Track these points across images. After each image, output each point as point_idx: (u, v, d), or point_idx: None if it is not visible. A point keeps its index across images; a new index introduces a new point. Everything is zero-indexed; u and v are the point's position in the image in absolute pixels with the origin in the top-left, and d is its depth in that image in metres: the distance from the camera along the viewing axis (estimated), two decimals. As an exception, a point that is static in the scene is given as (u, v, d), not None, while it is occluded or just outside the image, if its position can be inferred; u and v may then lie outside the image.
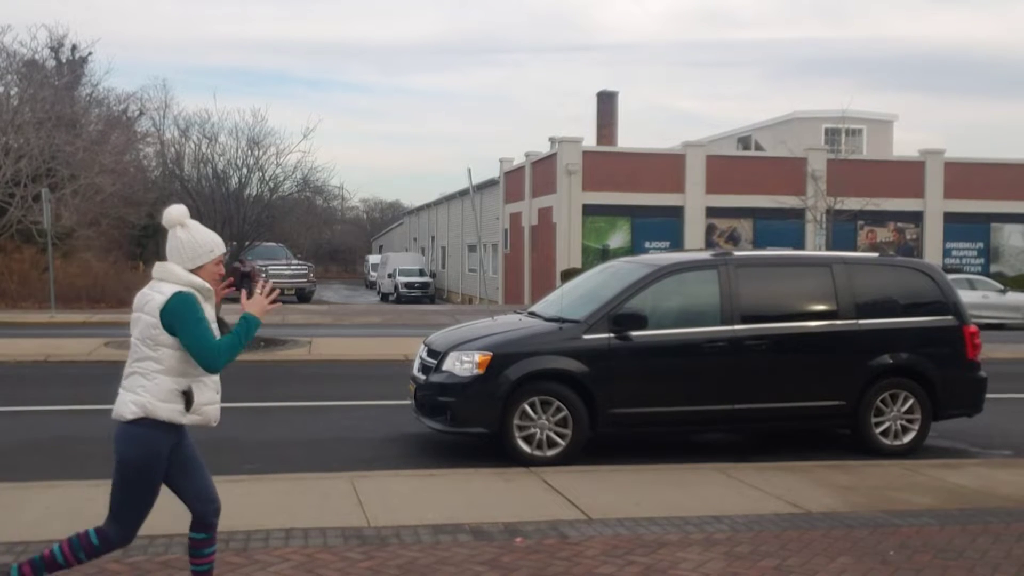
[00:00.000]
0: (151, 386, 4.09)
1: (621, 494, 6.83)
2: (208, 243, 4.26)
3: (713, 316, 8.52)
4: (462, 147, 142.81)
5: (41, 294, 25.29)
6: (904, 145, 76.47)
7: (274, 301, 4.35)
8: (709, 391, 8.43)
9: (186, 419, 4.15)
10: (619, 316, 8.23)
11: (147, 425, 4.09)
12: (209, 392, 4.22)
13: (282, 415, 10.46)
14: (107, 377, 14.34)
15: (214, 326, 4.18)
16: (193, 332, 4.04)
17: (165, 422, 4.10)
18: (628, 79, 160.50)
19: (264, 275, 33.45)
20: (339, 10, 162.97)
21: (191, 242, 4.21)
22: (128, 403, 4.11)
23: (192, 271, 4.19)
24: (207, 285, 4.19)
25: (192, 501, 4.38)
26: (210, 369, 4.09)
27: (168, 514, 6.08)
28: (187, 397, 4.12)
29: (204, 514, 4.39)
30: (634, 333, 8.23)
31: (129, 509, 4.20)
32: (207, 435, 9.17)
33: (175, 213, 4.25)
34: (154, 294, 4.14)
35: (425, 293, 45.75)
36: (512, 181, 40.61)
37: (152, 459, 4.13)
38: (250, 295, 4.37)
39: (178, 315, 4.05)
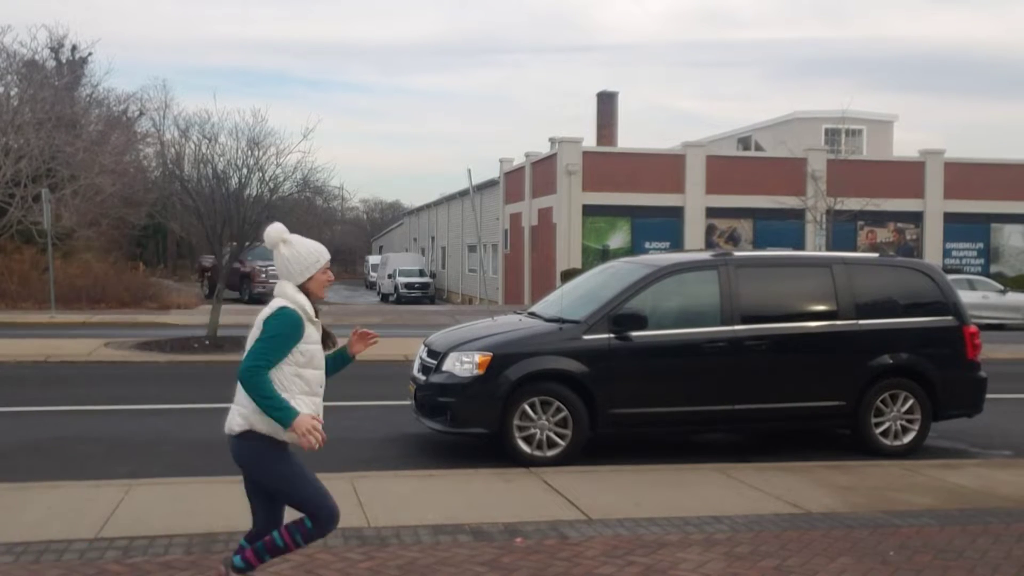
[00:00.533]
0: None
1: (621, 494, 6.83)
2: (313, 254, 4.30)
3: (713, 316, 8.52)
4: (462, 147, 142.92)
5: (41, 294, 25.30)
6: (904, 145, 76.59)
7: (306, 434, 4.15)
8: (709, 391, 8.43)
9: (285, 436, 4.15)
10: (619, 316, 8.23)
11: (253, 437, 4.17)
12: (306, 410, 4.18)
13: (282, 415, 10.45)
14: (107, 378, 14.43)
15: (316, 347, 4.23)
16: (264, 339, 4.08)
17: (267, 435, 4.15)
18: (628, 79, 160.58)
19: (264, 275, 33.48)
20: (339, 10, 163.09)
21: (296, 257, 4.26)
22: (236, 416, 4.21)
23: (303, 284, 4.24)
24: (309, 309, 4.20)
25: (262, 520, 4.41)
26: (240, 371, 4.06)
27: (169, 515, 6.09)
28: None
29: (264, 529, 4.42)
30: (634, 333, 8.23)
31: (307, 498, 4.25)
32: (208, 436, 9.21)
33: (274, 233, 4.28)
34: (267, 310, 4.21)
35: (425, 293, 45.74)
36: (512, 181, 40.61)
37: (272, 459, 4.18)
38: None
39: (270, 323, 4.11)
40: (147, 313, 25.48)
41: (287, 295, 4.20)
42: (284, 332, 4.10)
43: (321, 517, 4.26)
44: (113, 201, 30.82)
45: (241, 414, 4.18)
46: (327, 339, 4.40)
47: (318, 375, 4.30)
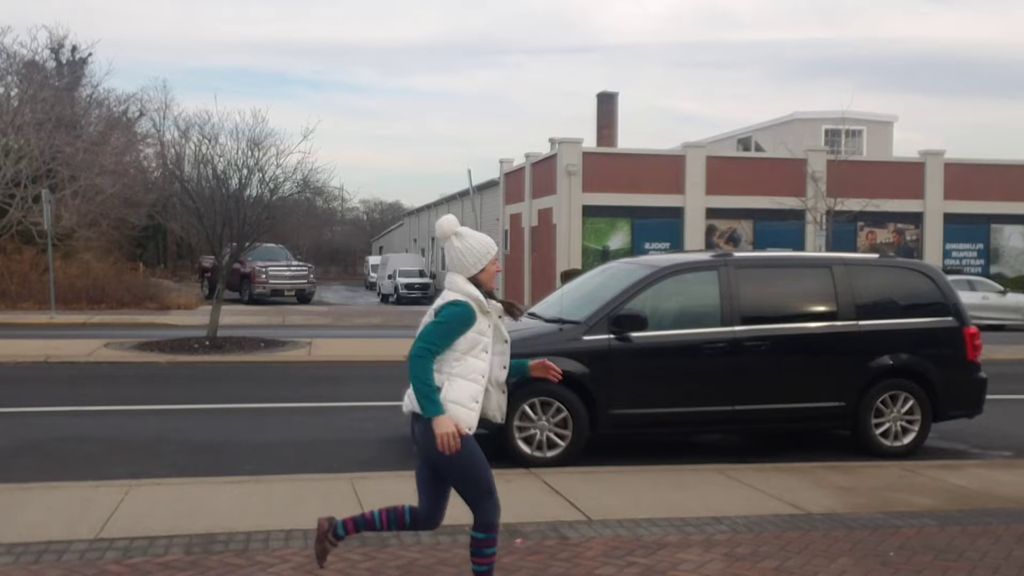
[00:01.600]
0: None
1: (621, 495, 6.83)
2: (484, 246, 4.43)
3: (713, 317, 8.52)
4: (462, 148, 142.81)
5: (41, 295, 25.30)
6: (904, 146, 76.71)
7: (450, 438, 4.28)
8: (709, 392, 8.43)
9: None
10: (619, 317, 8.23)
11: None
12: (462, 394, 4.30)
13: (282, 416, 10.46)
14: (107, 378, 14.43)
15: (485, 339, 4.35)
16: (434, 325, 4.24)
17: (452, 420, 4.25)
18: (628, 80, 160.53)
19: (264, 275, 33.49)
20: (339, 11, 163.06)
21: (468, 250, 4.40)
22: (409, 397, 4.36)
23: (474, 276, 4.38)
24: (482, 299, 4.33)
25: (427, 499, 4.59)
26: (410, 353, 4.21)
27: (169, 515, 6.09)
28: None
29: (426, 518, 4.60)
30: (634, 334, 8.23)
31: (475, 484, 4.42)
32: (208, 436, 9.21)
33: (446, 225, 4.43)
34: (439, 301, 4.37)
35: (425, 294, 45.72)
36: (512, 182, 40.62)
37: (454, 452, 4.26)
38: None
39: (443, 312, 4.27)
40: (147, 314, 25.48)
41: (459, 288, 4.34)
42: (455, 322, 4.24)
43: (479, 514, 4.43)
44: (113, 202, 30.85)
45: (411, 395, 4.33)
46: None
47: (481, 365, 4.37)
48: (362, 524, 4.70)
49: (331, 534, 4.72)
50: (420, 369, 4.16)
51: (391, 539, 5.64)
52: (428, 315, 4.35)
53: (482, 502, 4.42)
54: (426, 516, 4.61)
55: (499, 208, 41.81)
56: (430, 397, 4.16)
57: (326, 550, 4.75)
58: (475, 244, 4.41)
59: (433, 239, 58.20)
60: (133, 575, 4.98)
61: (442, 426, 4.17)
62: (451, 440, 4.19)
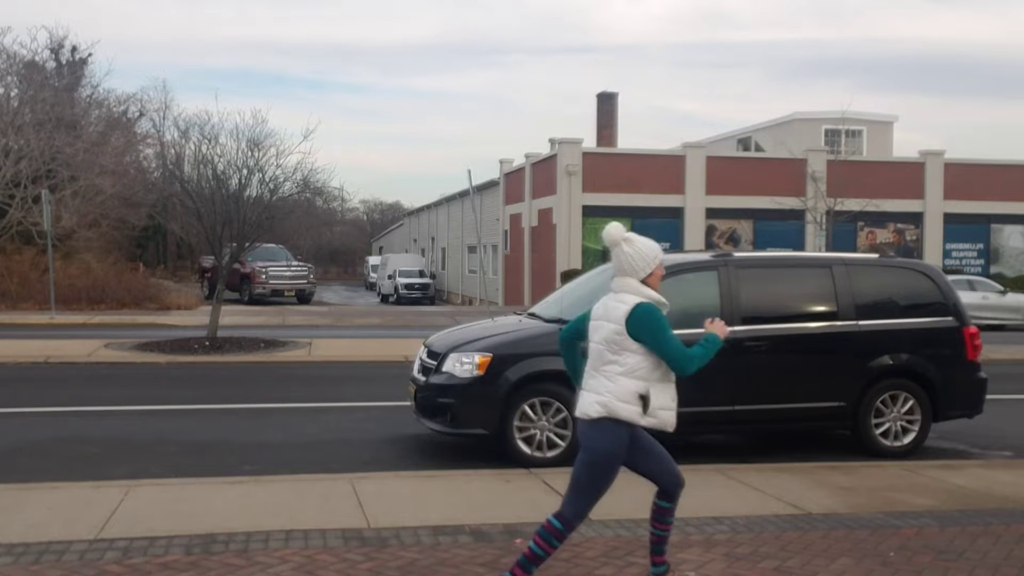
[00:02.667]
0: (614, 388, 4.49)
1: (621, 495, 6.80)
2: (653, 252, 4.64)
3: (713, 317, 8.49)
4: (462, 148, 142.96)
5: (41, 295, 25.29)
6: (904, 146, 76.67)
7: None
8: (709, 392, 8.41)
9: (643, 420, 4.53)
10: (619, 317, 8.21)
11: (610, 422, 4.50)
12: (665, 398, 4.58)
13: (282, 416, 10.46)
14: (107, 379, 14.42)
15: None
16: (663, 339, 4.47)
17: (624, 421, 4.49)
18: (628, 80, 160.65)
19: (264, 276, 33.47)
20: (339, 11, 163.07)
21: (640, 254, 4.61)
22: (593, 403, 4.54)
23: (643, 279, 4.61)
24: (662, 298, 4.59)
25: (659, 477, 4.78)
26: (682, 372, 4.52)
27: (168, 516, 6.09)
28: (644, 400, 4.50)
29: (670, 485, 4.80)
30: (634, 334, 8.22)
31: (589, 492, 4.59)
32: (208, 437, 9.21)
33: (615, 233, 4.64)
34: (617, 304, 4.57)
35: (425, 294, 45.74)
36: (512, 182, 40.62)
37: (616, 451, 4.53)
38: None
39: (644, 324, 4.47)
40: (147, 314, 25.47)
41: (636, 291, 4.57)
42: (662, 321, 4.49)
43: (571, 513, 4.58)
44: (113, 202, 30.86)
45: (599, 401, 4.52)
46: None
47: (666, 366, 4.61)
48: (537, 556, 4.63)
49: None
50: (697, 359, 4.50)
51: (391, 539, 5.64)
52: (610, 322, 4.53)
53: (584, 498, 4.60)
54: (671, 481, 4.81)
55: (499, 208, 41.80)
56: (710, 349, 4.57)
57: None
58: (645, 249, 4.62)
59: (433, 239, 58.20)
60: (133, 575, 4.98)
61: (718, 329, 4.67)
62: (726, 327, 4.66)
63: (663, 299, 4.60)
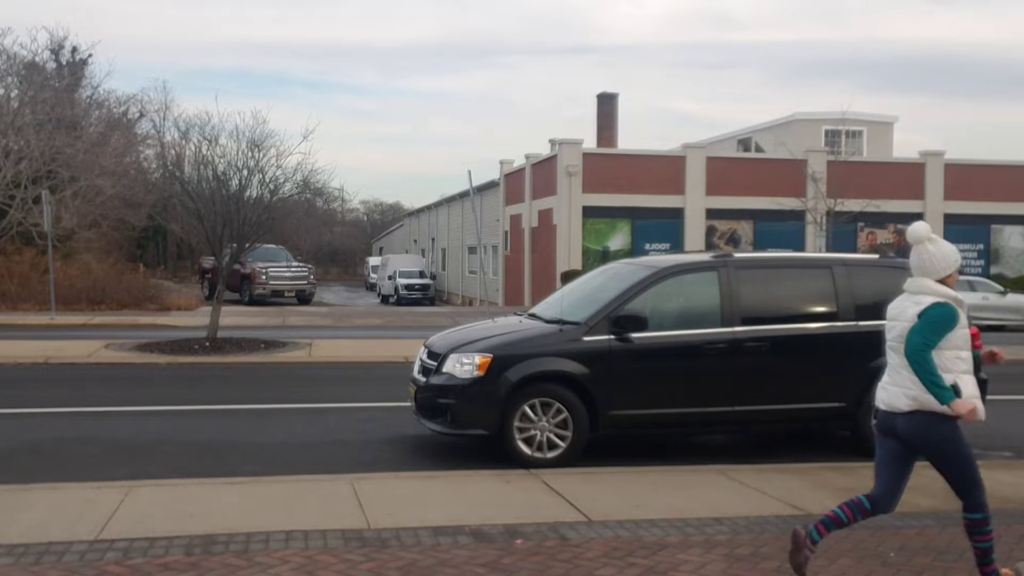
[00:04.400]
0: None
1: (621, 496, 6.83)
2: (954, 255, 4.80)
3: (713, 318, 8.51)
4: (462, 149, 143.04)
5: (41, 296, 25.29)
6: (904, 147, 76.57)
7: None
8: (709, 393, 8.43)
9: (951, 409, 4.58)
10: (619, 318, 8.23)
11: (923, 415, 4.67)
12: (972, 387, 4.67)
13: (282, 417, 10.46)
14: (107, 379, 14.41)
15: (967, 331, 4.68)
16: (923, 325, 4.57)
17: (938, 412, 4.61)
18: (628, 81, 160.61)
19: (264, 276, 33.47)
20: (339, 12, 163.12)
21: (943, 255, 4.76)
22: (901, 396, 4.74)
23: (941, 279, 4.73)
24: (960, 298, 4.70)
25: (882, 488, 4.94)
26: (907, 353, 4.57)
27: (169, 516, 6.10)
28: (955, 391, 4.57)
29: (877, 501, 4.94)
30: (634, 335, 8.23)
31: (969, 472, 4.76)
32: (208, 437, 9.20)
33: (922, 230, 4.80)
34: (911, 305, 4.75)
35: (425, 295, 45.74)
36: (512, 183, 40.61)
37: (950, 434, 4.68)
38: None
39: (928, 313, 4.60)
40: (147, 315, 25.47)
41: (935, 291, 4.70)
42: (944, 321, 4.59)
43: (969, 500, 4.78)
44: (113, 203, 30.86)
45: (907, 395, 4.70)
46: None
47: (972, 355, 4.76)
48: (831, 524, 4.92)
49: (809, 541, 4.89)
50: (925, 361, 4.51)
51: (391, 540, 5.64)
52: (905, 320, 4.68)
53: (974, 489, 4.77)
54: (886, 500, 4.93)
55: (499, 209, 41.80)
56: (940, 385, 4.50)
57: (807, 559, 4.91)
58: (948, 251, 4.77)
59: (433, 240, 58.21)
60: (133, 576, 4.98)
61: (961, 407, 4.51)
62: (977, 412, 4.55)
63: (961, 300, 4.70)
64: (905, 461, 4.91)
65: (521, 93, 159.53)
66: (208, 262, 34.15)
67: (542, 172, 35.83)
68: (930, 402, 4.59)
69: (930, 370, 4.52)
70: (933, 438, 4.71)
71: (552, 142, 36.95)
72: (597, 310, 8.39)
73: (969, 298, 21.70)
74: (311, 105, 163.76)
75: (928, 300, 4.67)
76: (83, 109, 36.04)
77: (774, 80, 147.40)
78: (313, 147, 51.84)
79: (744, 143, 42.22)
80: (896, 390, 4.78)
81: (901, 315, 4.79)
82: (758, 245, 32.89)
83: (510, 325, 9.18)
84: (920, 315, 4.62)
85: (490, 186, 42.98)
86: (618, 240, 33.11)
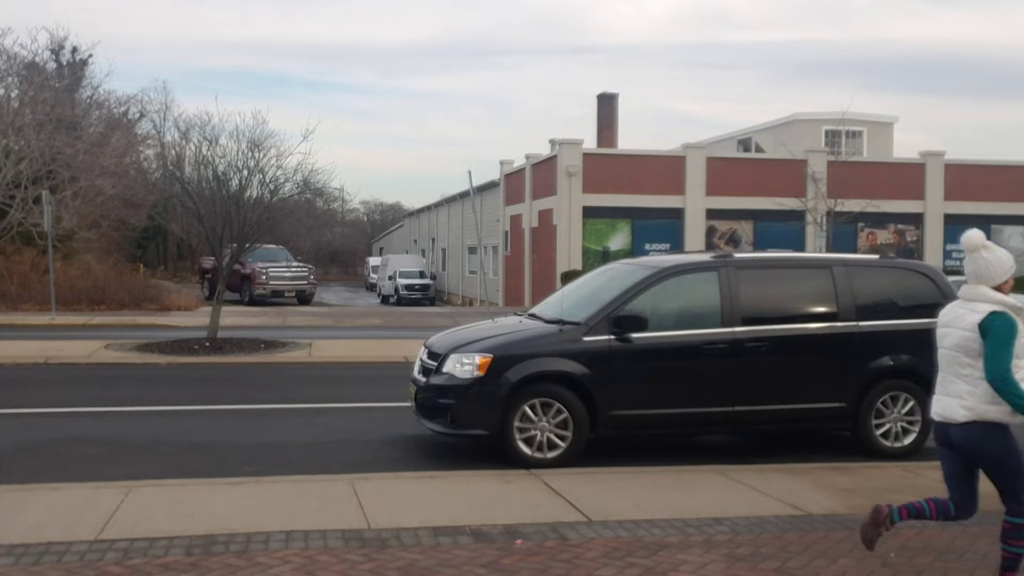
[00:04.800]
0: (977, 392, 4.66)
1: (621, 496, 6.82)
2: (1010, 262, 4.80)
3: (713, 318, 8.51)
4: (462, 149, 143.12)
5: (41, 296, 25.28)
6: (904, 147, 76.55)
7: None
8: (709, 393, 8.43)
9: (1016, 419, 4.64)
10: (619, 318, 8.23)
11: (979, 426, 4.68)
12: None
13: (282, 417, 10.46)
14: (107, 379, 14.40)
15: (1022, 339, 4.64)
16: (995, 346, 4.56)
17: (994, 422, 4.65)
18: (628, 81, 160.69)
19: (264, 277, 33.46)
20: (339, 12, 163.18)
21: (999, 262, 4.76)
22: (957, 407, 4.75)
23: (995, 286, 4.73)
24: (1017, 303, 4.68)
25: (958, 498, 4.99)
26: (989, 379, 4.57)
27: (168, 517, 6.09)
28: None
29: (959, 509, 5.00)
30: (634, 335, 8.23)
31: (1019, 477, 4.78)
32: (208, 437, 9.21)
33: (977, 239, 4.79)
34: (967, 312, 4.73)
35: (425, 295, 45.74)
36: (512, 183, 40.62)
37: (1009, 444, 4.69)
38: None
39: (992, 329, 4.59)
40: (147, 315, 25.46)
41: (991, 298, 4.69)
42: (1009, 334, 4.57)
43: (1018, 504, 4.81)
44: (113, 203, 30.86)
45: (963, 405, 4.70)
46: None
47: None
48: (913, 512, 4.99)
49: (888, 521, 4.97)
50: (1011, 386, 4.51)
51: (391, 540, 5.64)
52: (965, 329, 4.65)
53: (1022, 493, 4.78)
54: (966, 509, 4.99)
55: (499, 209, 41.80)
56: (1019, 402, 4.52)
57: (880, 535, 5.03)
58: (1004, 258, 4.78)
59: (433, 240, 58.21)
60: (133, 576, 4.98)
61: None
62: None
63: (1019, 304, 4.69)
64: (971, 468, 4.93)
65: (521, 93, 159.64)
66: (208, 262, 34.15)
67: (542, 172, 35.83)
68: (987, 412, 4.63)
69: (1018, 391, 4.52)
70: (993, 447, 4.72)
71: (552, 142, 36.95)
72: (597, 310, 8.39)
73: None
74: (311, 105, 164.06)
75: (984, 308, 4.65)
76: (83, 109, 36.04)
77: (774, 80, 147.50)
78: (313, 147, 51.79)
79: (744, 143, 42.22)
80: (951, 401, 4.78)
81: (955, 322, 4.77)
82: (758, 245, 32.89)
83: (510, 325, 9.18)
84: (982, 331, 4.60)
85: (490, 186, 42.98)
86: (618, 240, 33.11)
